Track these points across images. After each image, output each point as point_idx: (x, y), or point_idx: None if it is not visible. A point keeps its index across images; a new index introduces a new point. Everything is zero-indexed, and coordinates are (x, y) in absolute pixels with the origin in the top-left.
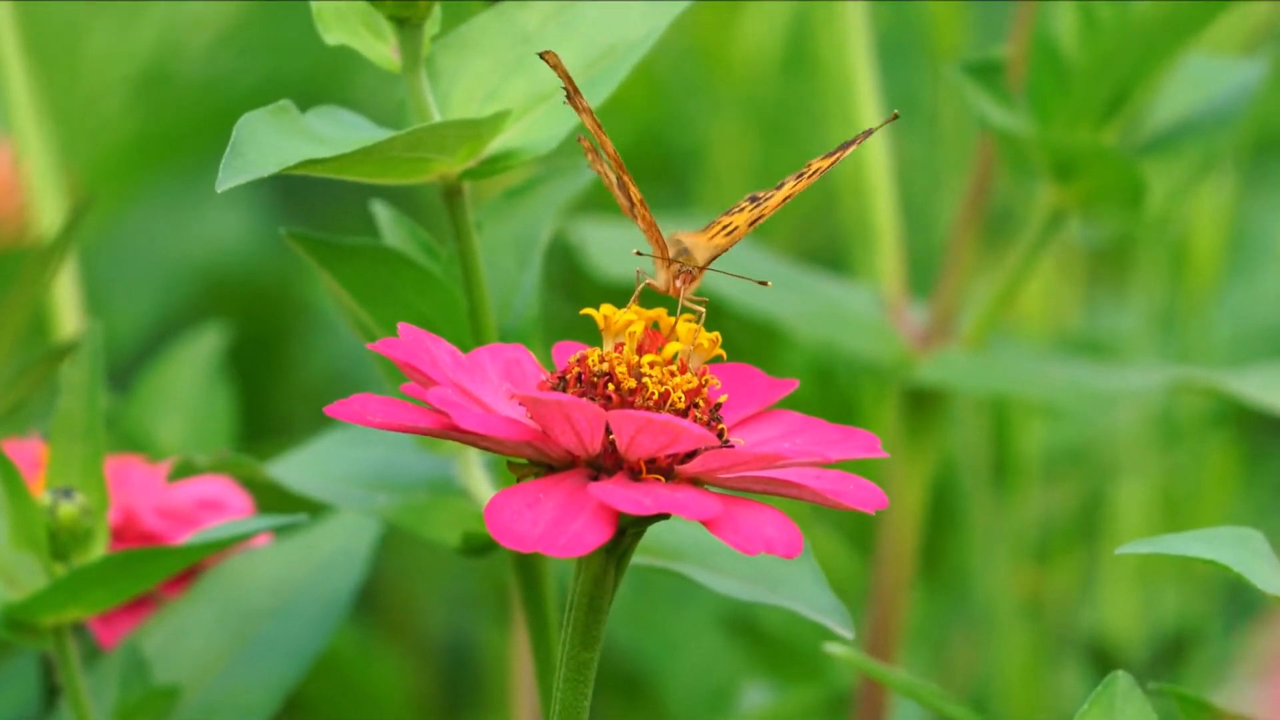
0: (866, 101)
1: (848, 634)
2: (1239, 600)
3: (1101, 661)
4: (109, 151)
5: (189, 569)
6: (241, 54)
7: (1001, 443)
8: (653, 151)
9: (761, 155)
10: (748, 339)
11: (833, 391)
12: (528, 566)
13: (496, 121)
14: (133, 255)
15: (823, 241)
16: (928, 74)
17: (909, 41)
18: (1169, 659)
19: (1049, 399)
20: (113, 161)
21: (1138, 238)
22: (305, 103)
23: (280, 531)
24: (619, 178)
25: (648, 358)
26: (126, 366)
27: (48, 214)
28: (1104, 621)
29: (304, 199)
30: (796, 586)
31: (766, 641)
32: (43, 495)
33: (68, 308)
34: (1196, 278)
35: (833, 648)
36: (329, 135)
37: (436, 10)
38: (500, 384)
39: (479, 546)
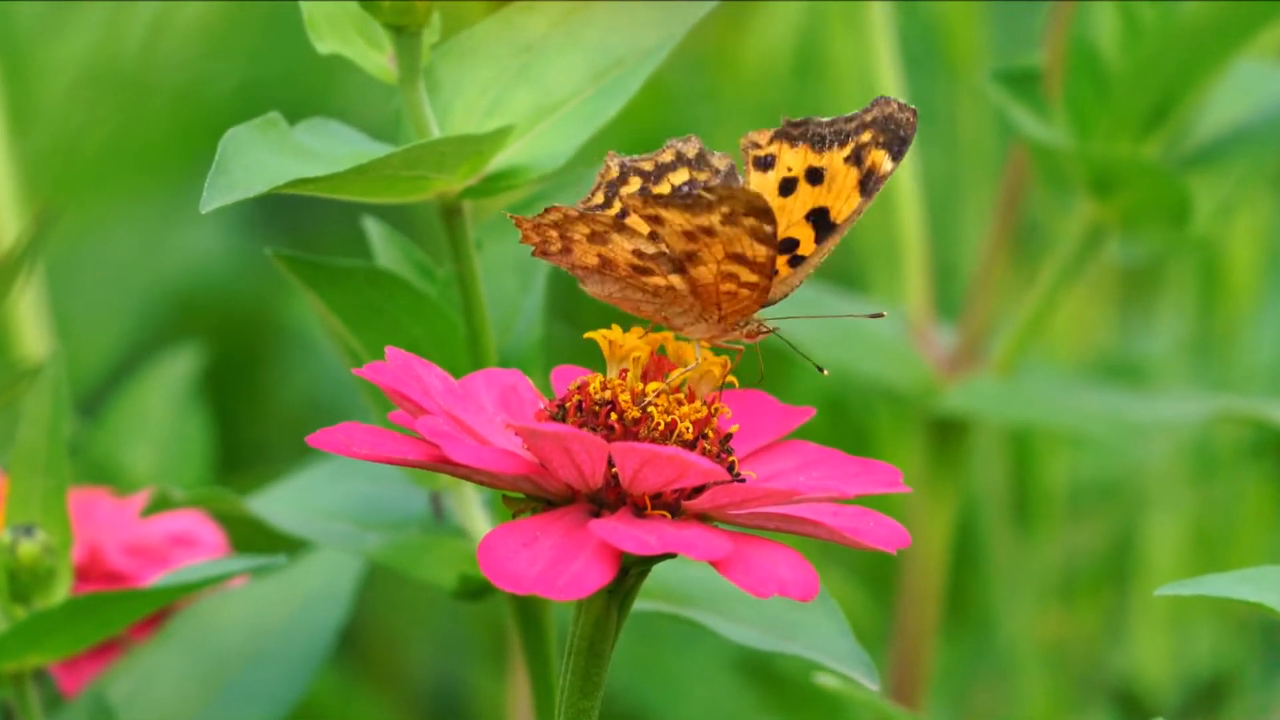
0: None
1: (873, 685)
2: (1277, 642)
3: (1131, 707)
4: (76, 163)
5: (159, 610)
6: (218, 59)
7: (1025, 476)
8: None
9: None
10: (750, 362)
11: (846, 421)
12: (528, 608)
13: (499, 137)
14: (102, 274)
15: (833, 259)
16: (944, 80)
17: (925, 47)
18: (1203, 705)
19: (1084, 430)
20: (80, 174)
21: (1173, 255)
22: (286, 109)
23: (257, 570)
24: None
25: (653, 385)
26: (95, 392)
27: (10, 229)
28: (1134, 665)
29: (284, 213)
30: (815, 633)
31: (781, 684)
32: (2, 533)
33: (32, 330)
34: (1233, 298)
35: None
36: (320, 151)
37: (436, 17)
38: (495, 412)
39: (476, 589)
